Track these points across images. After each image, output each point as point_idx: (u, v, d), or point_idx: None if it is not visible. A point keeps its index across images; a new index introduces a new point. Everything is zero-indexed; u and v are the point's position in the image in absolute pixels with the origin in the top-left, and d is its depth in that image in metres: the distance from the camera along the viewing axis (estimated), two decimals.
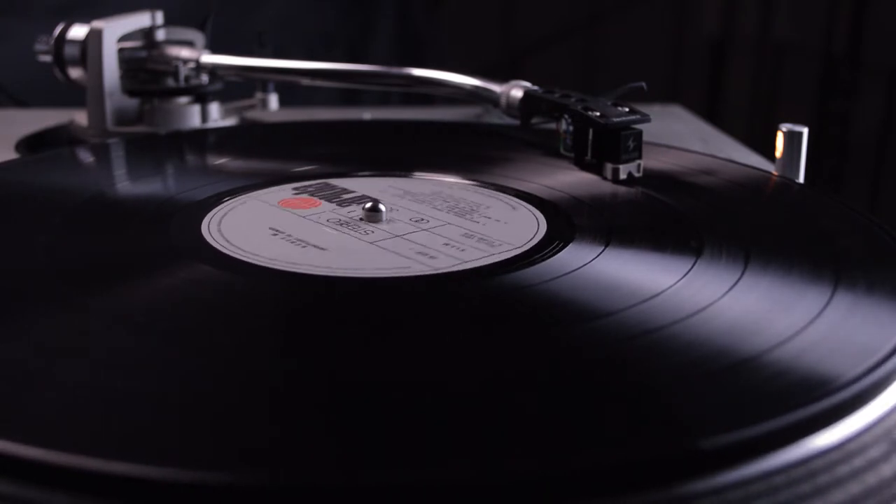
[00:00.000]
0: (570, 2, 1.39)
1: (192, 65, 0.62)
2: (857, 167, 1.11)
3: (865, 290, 0.31)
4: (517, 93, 0.52)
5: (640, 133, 0.45)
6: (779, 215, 0.42)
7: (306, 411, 0.24)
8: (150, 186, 0.46)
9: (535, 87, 0.52)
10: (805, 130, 0.47)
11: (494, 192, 0.44)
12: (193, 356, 0.27)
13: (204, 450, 0.22)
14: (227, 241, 0.36)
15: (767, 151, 0.56)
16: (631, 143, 0.45)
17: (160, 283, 0.33)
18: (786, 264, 0.33)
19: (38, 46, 0.63)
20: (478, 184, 0.45)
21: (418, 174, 0.47)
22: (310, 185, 0.44)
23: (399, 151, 0.54)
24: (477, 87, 0.55)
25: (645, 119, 0.46)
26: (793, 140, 0.47)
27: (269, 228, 0.38)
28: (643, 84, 0.53)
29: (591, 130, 0.46)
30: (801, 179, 0.47)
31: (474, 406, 0.24)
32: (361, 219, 0.39)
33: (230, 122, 0.64)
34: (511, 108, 0.52)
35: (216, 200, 0.42)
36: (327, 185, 0.45)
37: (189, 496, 0.20)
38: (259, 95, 0.65)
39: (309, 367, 0.26)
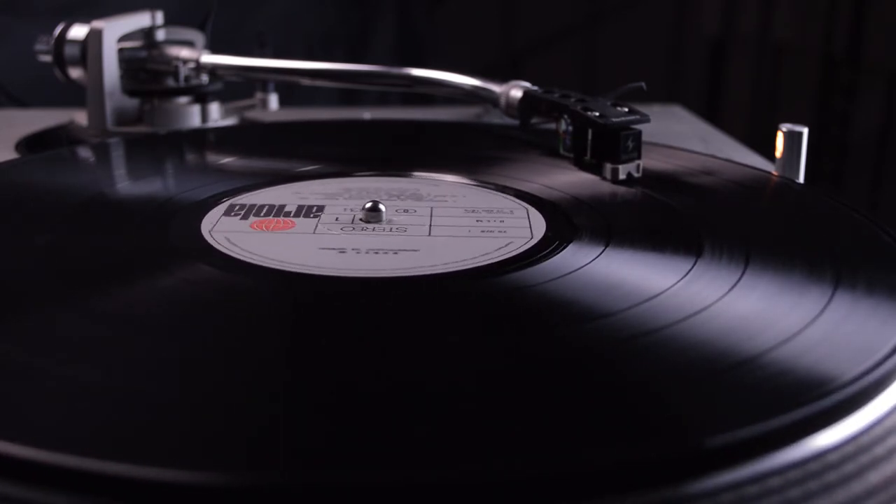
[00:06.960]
0: (570, 2, 1.39)
1: (192, 65, 0.62)
2: (857, 167, 1.11)
3: (865, 290, 0.31)
4: (517, 93, 0.52)
5: (639, 133, 0.45)
6: (779, 215, 0.42)
7: (306, 411, 0.24)
8: (150, 186, 0.46)
9: (535, 87, 0.52)
10: (805, 130, 0.47)
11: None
12: (193, 356, 0.27)
13: (204, 451, 0.22)
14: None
15: (767, 151, 0.56)
16: (630, 144, 0.45)
17: (160, 284, 0.33)
18: (786, 264, 0.33)
19: (38, 46, 0.63)
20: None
21: (418, 174, 0.47)
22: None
23: (399, 151, 0.54)
24: (477, 87, 0.55)
25: (644, 119, 0.45)
26: (793, 140, 0.47)
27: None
28: (643, 84, 0.53)
29: (590, 130, 0.46)
30: (801, 179, 0.47)
31: (473, 406, 0.24)
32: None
33: (230, 122, 0.64)
34: (510, 108, 0.52)
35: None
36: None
37: (189, 497, 0.20)
38: (259, 95, 0.65)
39: (309, 367, 0.26)
